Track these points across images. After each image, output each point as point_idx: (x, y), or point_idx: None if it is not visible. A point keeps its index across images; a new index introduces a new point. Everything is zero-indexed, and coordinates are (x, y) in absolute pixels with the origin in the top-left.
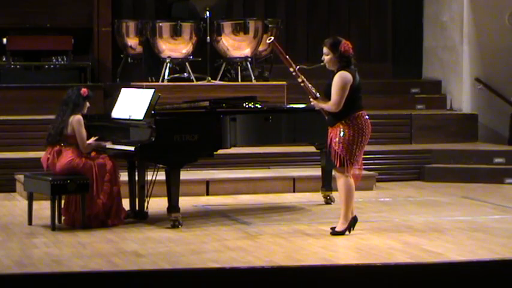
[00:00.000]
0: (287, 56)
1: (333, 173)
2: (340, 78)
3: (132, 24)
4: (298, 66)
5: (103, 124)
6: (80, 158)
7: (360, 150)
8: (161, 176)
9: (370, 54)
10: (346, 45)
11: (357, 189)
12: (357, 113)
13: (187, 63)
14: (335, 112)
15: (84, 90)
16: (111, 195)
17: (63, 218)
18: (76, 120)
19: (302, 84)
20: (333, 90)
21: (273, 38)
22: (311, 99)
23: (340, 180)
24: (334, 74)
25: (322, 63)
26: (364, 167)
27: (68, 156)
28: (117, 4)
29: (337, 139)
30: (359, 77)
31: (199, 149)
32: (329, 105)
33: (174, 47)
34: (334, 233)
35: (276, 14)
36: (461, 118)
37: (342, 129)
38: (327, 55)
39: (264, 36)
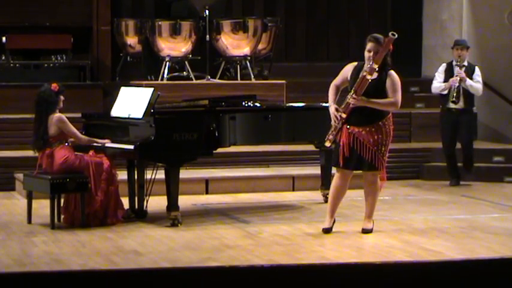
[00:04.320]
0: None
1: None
2: (398, 78)
3: (131, 23)
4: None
5: (102, 123)
6: (73, 154)
7: None
8: (160, 174)
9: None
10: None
11: (357, 187)
12: (390, 113)
13: (186, 62)
14: (376, 111)
15: (54, 86)
16: (107, 194)
17: (62, 216)
18: (57, 119)
19: (370, 81)
20: (393, 89)
21: (395, 35)
22: (355, 96)
23: (376, 182)
24: (381, 73)
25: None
26: None
27: (61, 155)
28: (116, 3)
29: (379, 140)
30: None
31: (199, 147)
32: (389, 102)
33: (174, 46)
34: (367, 231)
35: (275, 13)
36: None
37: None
38: (376, 52)
39: (264, 34)
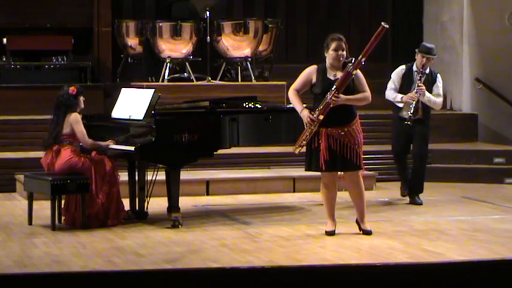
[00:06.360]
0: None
1: (337, 174)
2: (361, 74)
3: (132, 24)
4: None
5: (103, 124)
6: (78, 157)
7: None
8: (161, 176)
9: (369, 54)
10: None
11: None
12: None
13: (187, 63)
14: (351, 110)
15: (72, 89)
16: (109, 195)
17: (63, 218)
18: (73, 117)
19: (353, 77)
20: (363, 84)
21: (387, 26)
22: (336, 94)
23: (361, 182)
24: (347, 70)
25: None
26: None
27: (66, 155)
28: (117, 4)
29: (357, 139)
30: None
31: (199, 149)
32: (364, 97)
33: (174, 47)
34: (368, 232)
35: (276, 14)
36: (461, 118)
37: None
38: (344, 51)
39: (265, 35)
